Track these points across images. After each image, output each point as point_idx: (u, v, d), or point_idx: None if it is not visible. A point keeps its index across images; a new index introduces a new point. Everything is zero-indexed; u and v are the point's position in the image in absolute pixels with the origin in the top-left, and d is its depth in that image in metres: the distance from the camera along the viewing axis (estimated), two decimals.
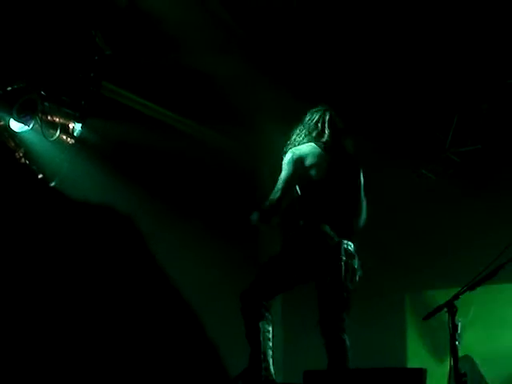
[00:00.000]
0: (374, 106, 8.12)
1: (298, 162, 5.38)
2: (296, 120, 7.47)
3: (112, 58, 6.85)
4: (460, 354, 4.93)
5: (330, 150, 5.48)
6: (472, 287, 5.03)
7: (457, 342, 4.94)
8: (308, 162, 5.40)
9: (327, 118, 5.60)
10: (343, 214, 5.44)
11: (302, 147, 5.50)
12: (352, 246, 5.36)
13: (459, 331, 4.97)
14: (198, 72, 7.45)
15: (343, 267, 5.21)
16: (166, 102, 7.78)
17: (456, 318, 4.98)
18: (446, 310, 5.03)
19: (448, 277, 7.32)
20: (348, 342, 5.22)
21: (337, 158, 5.49)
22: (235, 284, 8.19)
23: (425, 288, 8.12)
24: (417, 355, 8.09)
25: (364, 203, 5.64)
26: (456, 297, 5.03)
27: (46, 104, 6.59)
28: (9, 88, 6.28)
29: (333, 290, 5.22)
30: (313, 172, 5.40)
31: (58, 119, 6.74)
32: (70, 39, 6.53)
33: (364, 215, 5.63)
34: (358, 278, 5.37)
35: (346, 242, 5.30)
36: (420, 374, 4.76)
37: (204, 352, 7.44)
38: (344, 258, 5.21)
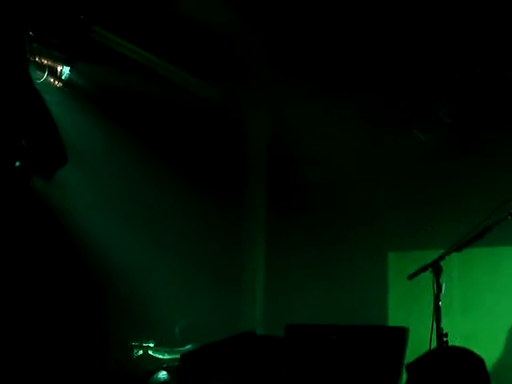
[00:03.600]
0: (366, 64, 8.04)
1: None
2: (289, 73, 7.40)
3: (103, 2, 6.73)
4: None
5: None
6: (458, 248, 5.05)
7: (440, 303, 4.97)
8: None
9: None
10: None
11: None
12: None
13: (443, 291, 4.99)
14: (190, 20, 7.33)
15: None
16: (156, 49, 7.66)
17: (440, 278, 5.00)
18: (431, 269, 5.05)
19: (434, 238, 7.33)
20: None
21: None
22: (216, 237, 8.23)
23: (409, 248, 8.13)
24: (398, 315, 8.11)
25: None
26: (442, 257, 5.05)
27: (35, 45, 6.46)
28: None
29: None
30: None
31: (46, 61, 6.62)
32: None
33: None
34: None
35: None
36: (402, 332, 4.77)
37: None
38: None
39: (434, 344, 4.89)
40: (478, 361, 2.99)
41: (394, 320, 7.93)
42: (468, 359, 2.97)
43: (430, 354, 3.38)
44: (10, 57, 3.21)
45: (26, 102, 3.49)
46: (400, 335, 4.73)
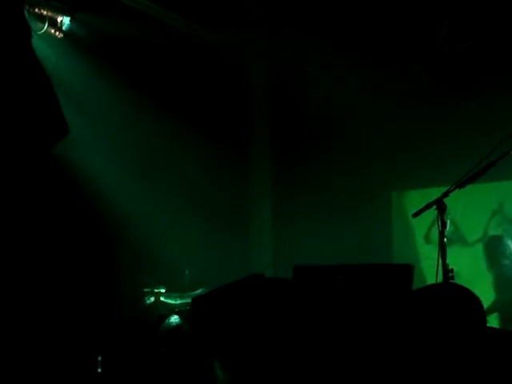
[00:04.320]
0: (367, 6, 7.98)
1: None
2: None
3: None
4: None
5: None
6: (461, 185, 5.06)
7: (445, 239, 5.01)
8: None
9: None
10: None
11: None
12: None
13: (448, 228, 5.02)
14: None
15: None
16: None
17: (445, 215, 5.02)
18: (435, 207, 5.07)
19: (437, 176, 7.34)
20: None
21: None
22: (224, 182, 8.28)
23: (412, 187, 8.16)
24: (403, 253, 8.19)
25: None
26: (445, 194, 5.06)
27: None
28: None
29: None
30: None
31: (45, 12, 6.59)
32: None
33: None
34: None
35: None
36: (408, 269, 4.80)
37: None
38: None
39: (440, 280, 4.94)
40: (474, 299, 3.03)
41: (399, 258, 8.01)
42: (465, 296, 3.02)
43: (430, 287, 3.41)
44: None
45: (26, 71, 3.47)
46: (406, 272, 4.77)
